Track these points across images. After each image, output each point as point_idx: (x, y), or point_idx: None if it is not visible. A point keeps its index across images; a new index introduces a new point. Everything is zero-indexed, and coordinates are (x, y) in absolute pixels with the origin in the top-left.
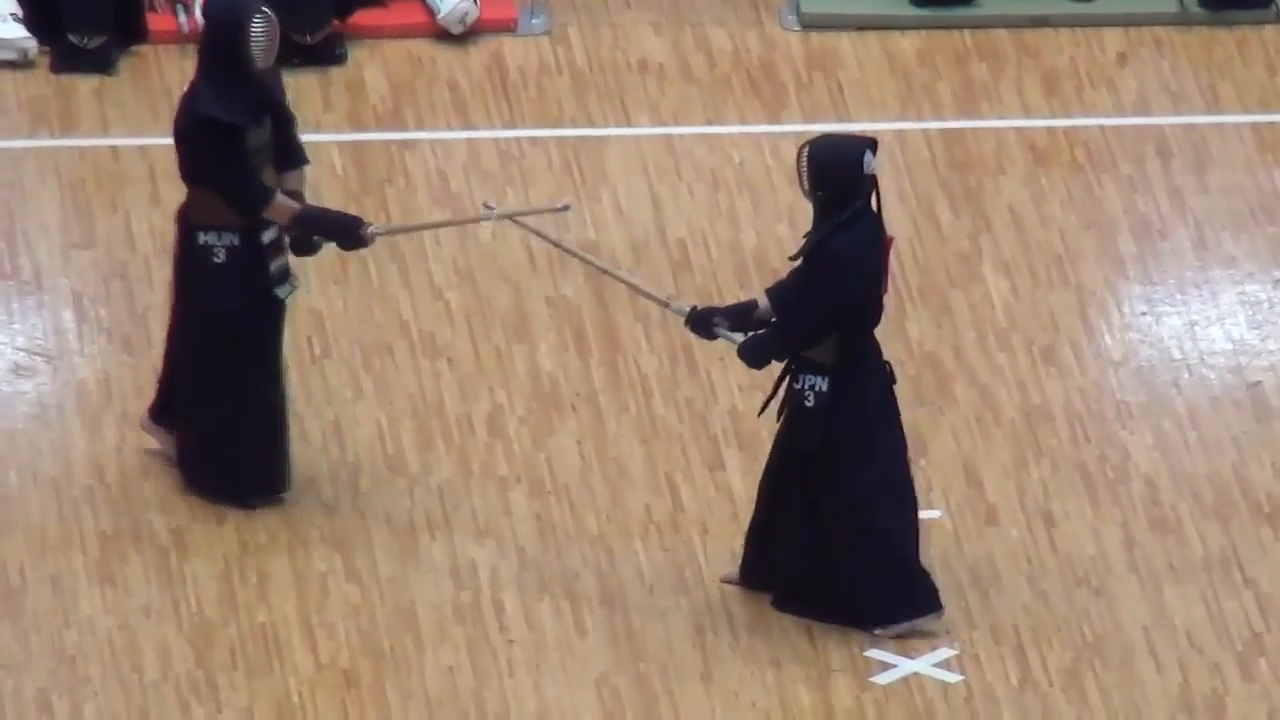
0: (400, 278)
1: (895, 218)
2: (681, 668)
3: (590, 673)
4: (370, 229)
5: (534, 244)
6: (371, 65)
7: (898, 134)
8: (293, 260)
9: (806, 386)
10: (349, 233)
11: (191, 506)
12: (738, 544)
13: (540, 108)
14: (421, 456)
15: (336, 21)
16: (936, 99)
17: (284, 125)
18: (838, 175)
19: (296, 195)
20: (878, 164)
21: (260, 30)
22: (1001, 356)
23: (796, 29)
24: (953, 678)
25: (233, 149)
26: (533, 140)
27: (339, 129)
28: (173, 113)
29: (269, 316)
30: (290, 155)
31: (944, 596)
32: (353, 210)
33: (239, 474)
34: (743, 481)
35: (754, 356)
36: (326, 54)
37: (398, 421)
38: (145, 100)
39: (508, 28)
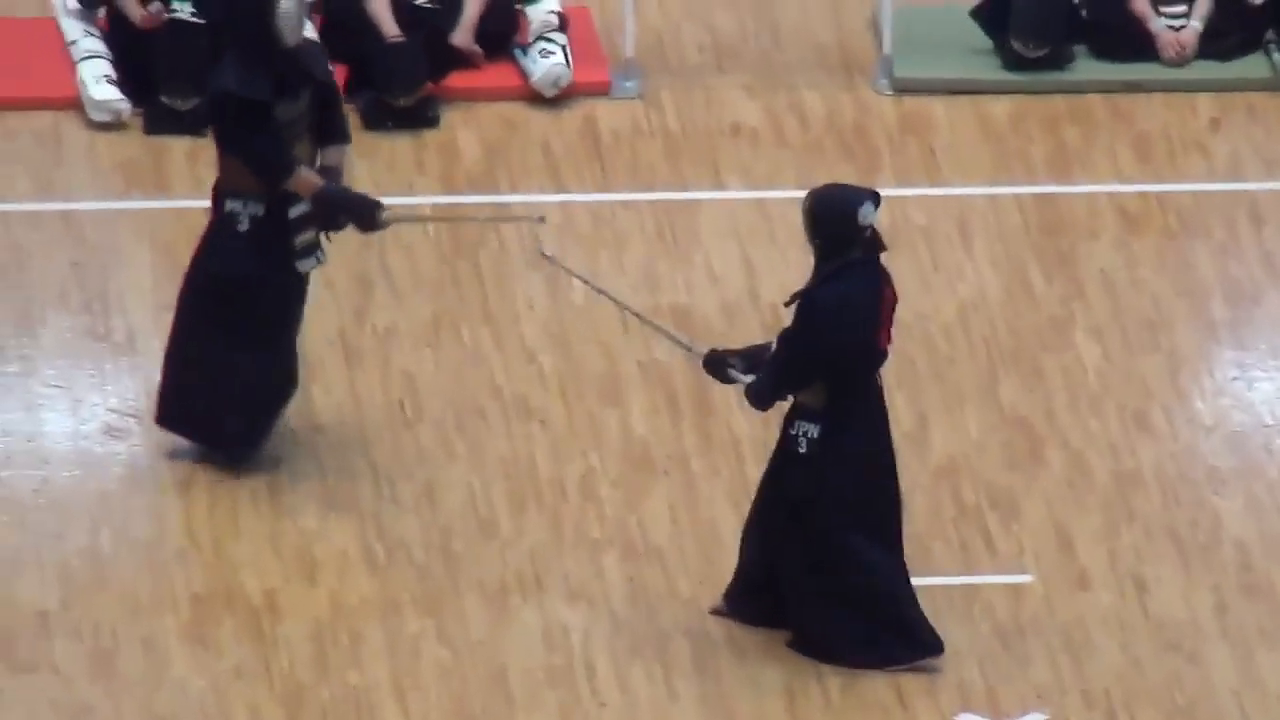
0: (493, 340)
1: (987, 282)
2: None
3: None
4: (386, 214)
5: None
6: (465, 128)
7: (990, 198)
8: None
9: (800, 433)
10: (367, 214)
11: (284, 568)
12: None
13: (633, 171)
14: (514, 519)
15: (430, 84)
16: (1029, 163)
17: (327, 101)
18: (832, 225)
19: (332, 171)
20: (875, 216)
21: (286, 6)
22: (1093, 421)
23: (889, 93)
24: None
25: (255, 122)
26: (625, 203)
27: (432, 191)
28: None
29: (285, 288)
30: (331, 131)
31: (1036, 660)
32: (445, 271)
33: (212, 426)
34: None
35: (753, 398)
36: (420, 117)
37: (490, 484)
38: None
39: (601, 91)
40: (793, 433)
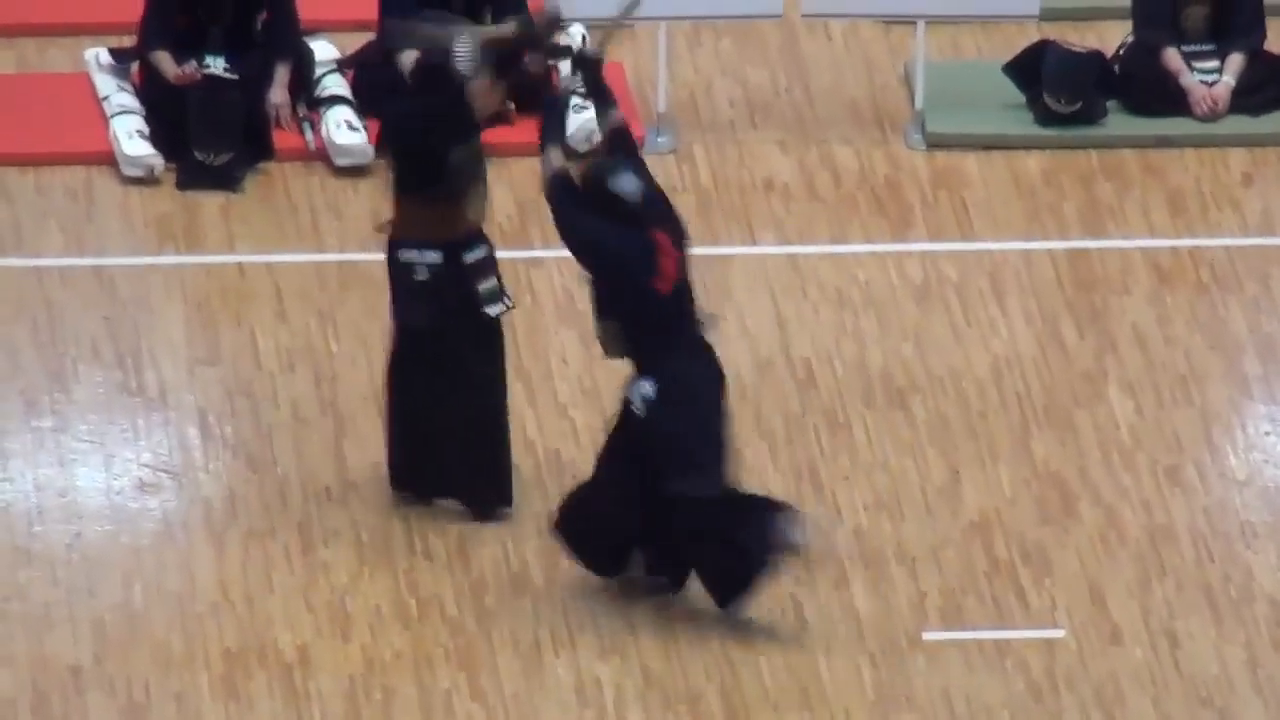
0: (526, 396)
1: (1020, 337)
2: None
3: None
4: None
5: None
6: (498, 183)
7: (1023, 253)
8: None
9: (637, 396)
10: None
11: (318, 623)
12: (863, 662)
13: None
14: (546, 574)
15: None
16: (1062, 218)
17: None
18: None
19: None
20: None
21: (466, 48)
22: (1126, 476)
23: (922, 148)
24: None
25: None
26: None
27: None
28: (299, 230)
29: (475, 334)
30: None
31: (1069, 715)
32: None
33: (450, 483)
34: (868, 599)
35: (546, 187)
36: None
37: (523, 539)
38: (271, 217)
39: None
40: (630, 397)
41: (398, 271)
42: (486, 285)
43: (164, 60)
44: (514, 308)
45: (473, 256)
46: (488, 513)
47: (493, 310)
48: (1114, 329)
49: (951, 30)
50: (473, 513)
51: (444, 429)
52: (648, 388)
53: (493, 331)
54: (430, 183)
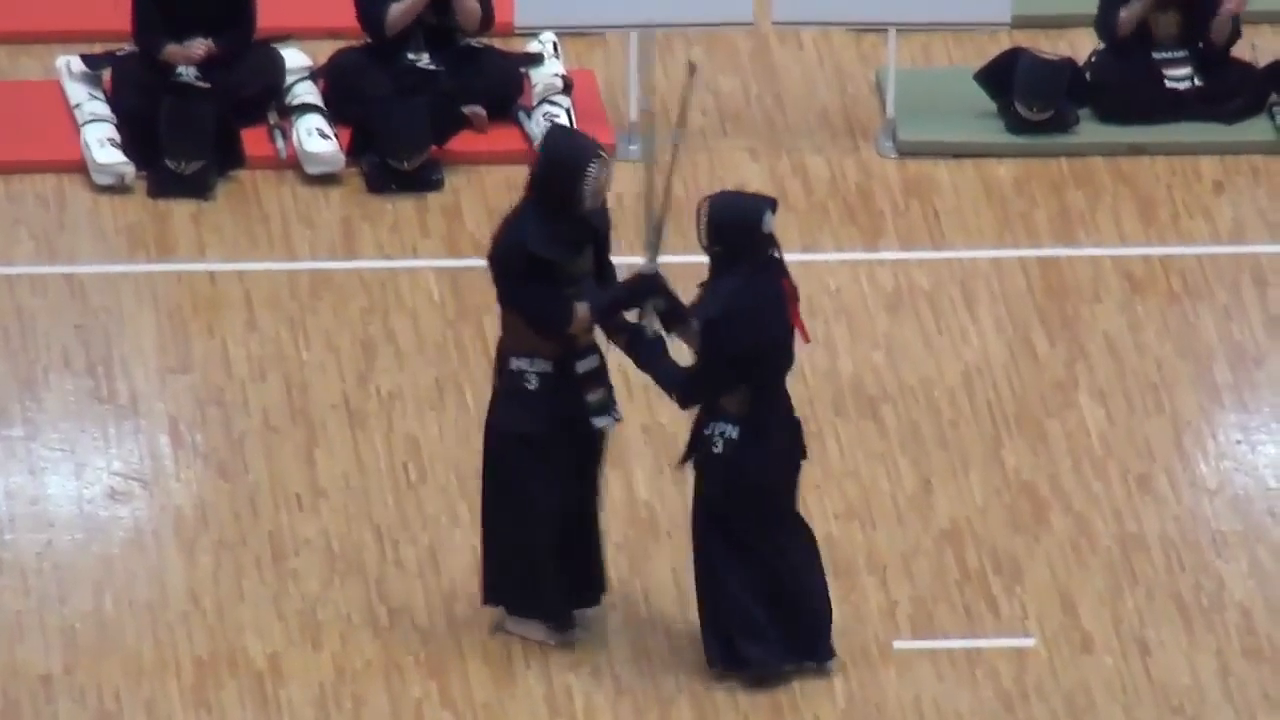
0: None
1: (991, 345)
2: None
3: None
4: (646, 265)
5: (629, 373)
6: (469, 191)
7: (994, 261)
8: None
9: (716, 433)
10: (645, 285)
11: (288, 631)
12: (834, 670)
13: (637, 234)
14: None
15: (434, 148)
16: (1033, 226)
17: (601, 253)
18: (735, 232)
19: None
20: (774, 222)
21: (596, 173)
22: (1097, 484)
23: (893, 156)
24: None
25: (548, 278)
26: (630, 266)
27: (436, 255)
28: (270, 239)
29: (579, 444)
30: (601, 277)
31: None
32: (449, 334)
33: (537, 595)
34: (838, 607)
35: (678, 398)
36: (423, 180)
37: None
38: (242, 225)
39: None
40: (707, 433)
41: (508, 379)
42: (596, 396)
43: (174, 52)
44: (621, 420)
45: (585, 366)
46: (561, 625)
47: (600, 423)
48: (1085, 337)
49: (923, 38)
50: (554, 627)
51: (536, 538)
52: (730, 429)
53: (595, 441)
54: (557, 333)
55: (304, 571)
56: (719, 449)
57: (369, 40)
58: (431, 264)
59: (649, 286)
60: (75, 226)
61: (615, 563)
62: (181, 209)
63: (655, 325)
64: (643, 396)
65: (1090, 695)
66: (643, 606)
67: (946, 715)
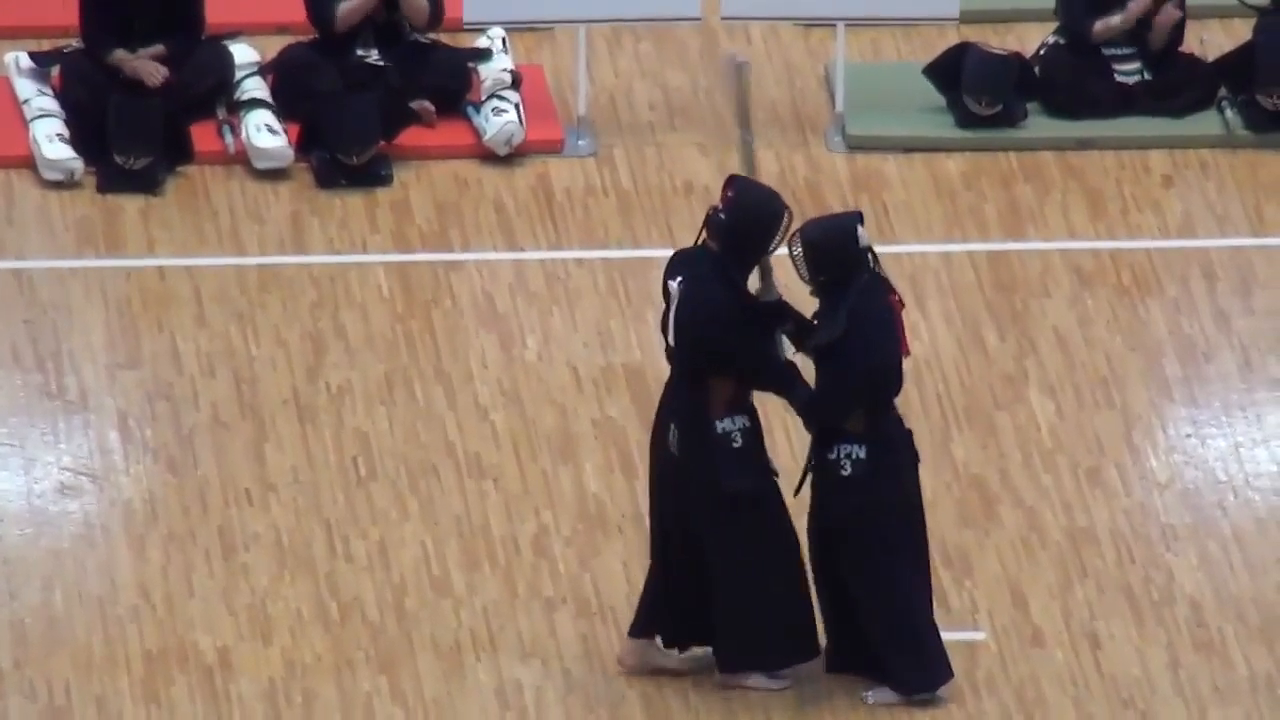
0: (446, 399)
1: (940, 339)
2: None
3: None
4: (766, 294)
5: (580, 366)
6: (417, 186)
7: (943, 256)
8: None
9: (843, 455)
10: (772, 314)
11: (238, 626)
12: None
13: (586, 229)
14: (467, 577)
15: (382, 142)
16: (982, 221)
17: None
18: (836, 259)
19: None
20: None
21: (786, 225)
22: (1047, 478)
23: (842, 151)
24: None
25: (761, 334)
26: (579, 261)
27: (385, 250)
28: (219, 234)
29: (780, 492)
30: None
31: (990, 717)
32: (398, 329)
33: (775, 645)
34: None
35: (810, 422)
36: (372, 175)
37: (443, 542)
38: (191, 221)
39: (553, 149)
40: (833, 457)
41: (716, 443)
42: None
43: (123, 59)
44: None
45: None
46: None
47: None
48: (1034, 331)
49: (871, 33)
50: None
51: (767, 591)
52: (857, 449)
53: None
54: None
55: (254, 566)
56: (848, 470)
57: (318, 36)
58: (381, 259)
59: (775, 314)
60: (24, 222)
61: (565, 557)
62: (130, 204)
63: (786, 350)
64: (592, 390)
65: (1040, 688)
66: (593, 600)
67: (897, 710)
